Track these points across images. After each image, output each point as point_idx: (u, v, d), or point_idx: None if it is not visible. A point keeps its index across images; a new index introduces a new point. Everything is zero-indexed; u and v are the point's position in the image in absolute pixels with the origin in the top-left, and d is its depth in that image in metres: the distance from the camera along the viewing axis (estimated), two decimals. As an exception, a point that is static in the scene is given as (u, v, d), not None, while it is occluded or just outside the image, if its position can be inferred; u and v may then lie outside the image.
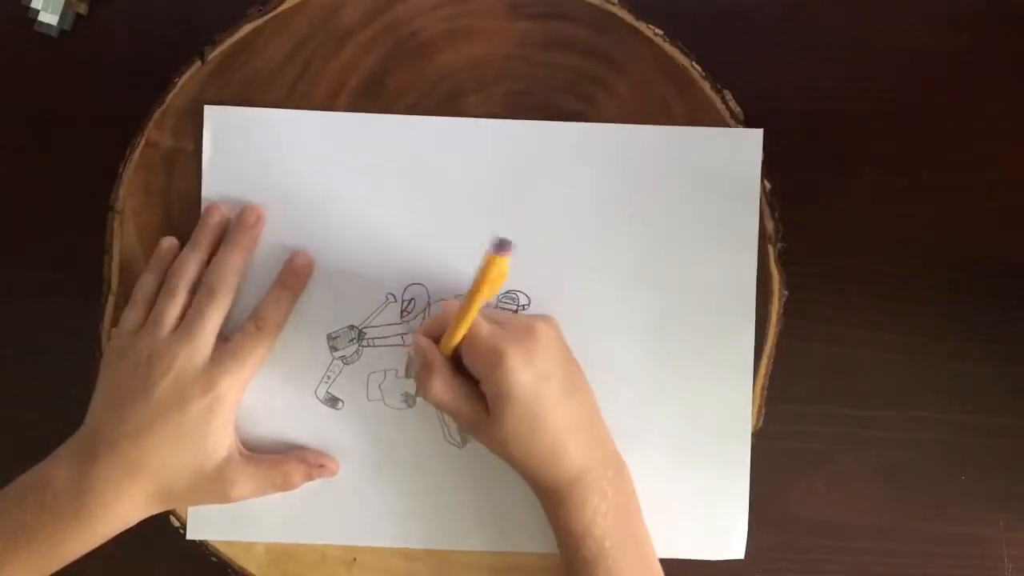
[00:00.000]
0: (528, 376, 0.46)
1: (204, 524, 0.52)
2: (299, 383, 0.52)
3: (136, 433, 0.47)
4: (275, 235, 0.51)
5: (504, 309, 0.52)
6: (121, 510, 0.47)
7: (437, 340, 0.48)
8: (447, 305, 0.49)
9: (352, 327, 0.52)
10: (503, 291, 0.52)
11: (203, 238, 0.50)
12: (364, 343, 0.52)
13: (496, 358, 0.45)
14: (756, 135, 0.52)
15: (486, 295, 0.43)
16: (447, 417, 0.52)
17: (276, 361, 0.51)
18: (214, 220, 0.51)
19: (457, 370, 0.48)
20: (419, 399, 0.52)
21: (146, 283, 0.50)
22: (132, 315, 0.50)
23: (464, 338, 0.46)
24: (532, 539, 0.52)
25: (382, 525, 0.52)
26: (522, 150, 0.52)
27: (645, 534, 0.49)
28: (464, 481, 0.52)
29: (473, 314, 0.45)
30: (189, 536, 0.52)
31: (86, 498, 0.46)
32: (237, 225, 0.51)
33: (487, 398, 0.47)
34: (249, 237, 0.51)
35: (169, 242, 0.51)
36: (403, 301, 0.52)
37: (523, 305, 0.52)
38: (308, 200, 0.51)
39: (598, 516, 0.47)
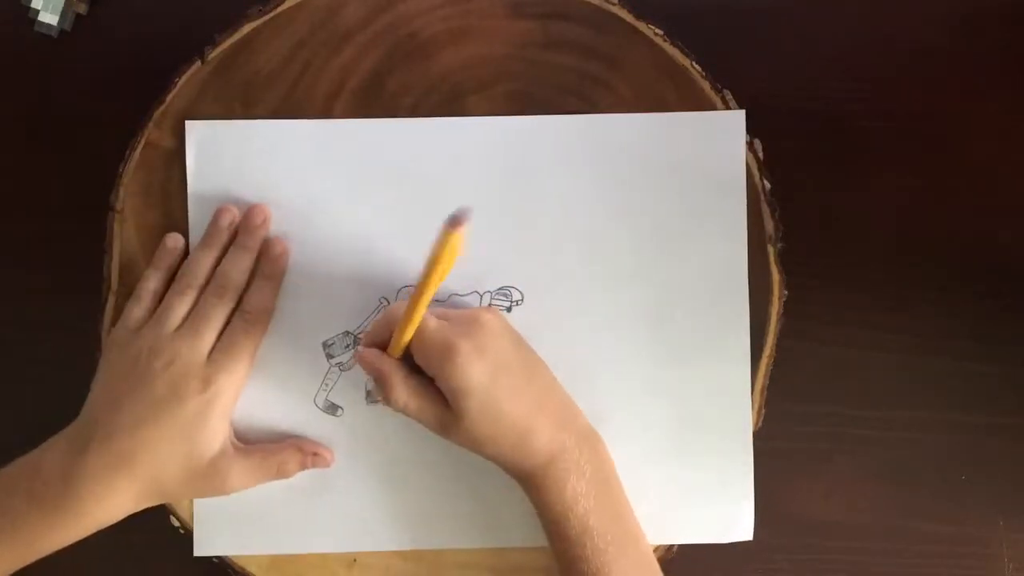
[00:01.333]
0: (481, 368, 0.46)
1: (211, 541, 0.51)
2: (298, 393, 0.52)
3: (131, 427, 0.47)
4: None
5: (498, 306, 0.52)
6: (111, 503, 0.47)
7: (383, 346, 0.48)
8: (392, 307, 0.48)
9: (347, 333, 0.52)
10: (496, 287, 0.52)
11: (215, 240, 0.51)
12: (360, 348, 0.52)
13: (447, 353, 0.45)
14: (738, 117, 0.52)
15: (440, 276, 0.42)
16: None
17: (273, 373, 0.51)
18: (226, 221, 0.51)
19: (412, 369, 0.48)
20: None
21: (151, 279, 0.51)
22: (136, 310, 0.50)
23: (413, 335, 0.46)
24: (538, 536, 0.52)
25: (389, 529, 0.52)
26: (515, 147, 0.52)
27: (627, 506, 0.49)
28: (469, 480, 0.52)
29: (426, 301, 0.44)
30: (197, 553, 0.52)
31: (76, 489, 0.46)
32: (244, 227, 0.51)
33: (445, 395, 0.46)
34: (255, 238, 0.51)
35: (174, 240, 0.51)
36: None
37: (516, 301, 0.52)
38: (295, 208, 0.51)
39: (578, 495, 0.47)
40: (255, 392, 0.51)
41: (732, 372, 0.52)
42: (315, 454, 0.51)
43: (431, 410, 0.47)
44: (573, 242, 0.52)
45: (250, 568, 0.52)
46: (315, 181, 0.51)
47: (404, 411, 0.47)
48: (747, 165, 0.52)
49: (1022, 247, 0.55)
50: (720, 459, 0.52)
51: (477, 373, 0.45)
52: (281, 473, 0.50)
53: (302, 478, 0.51)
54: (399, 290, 0.52)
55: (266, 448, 0.50)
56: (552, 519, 0.47)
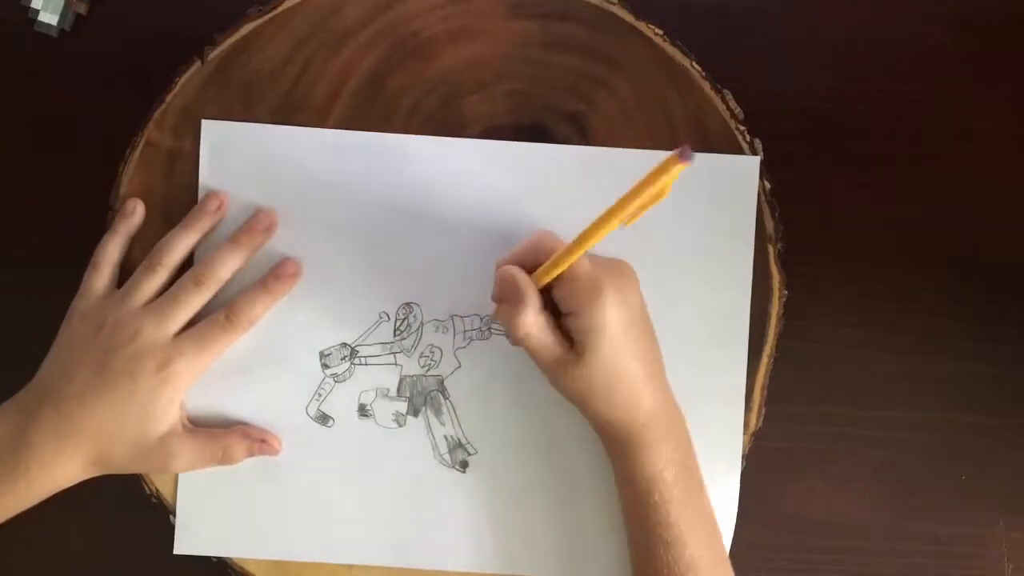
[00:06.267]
0: (623, 313, 0.46)
1: (193, 540, 0.51)
2: (290, 400, 0.52)
3: (82, 395, 0.47)
4: (269, 249, 0.51)
5: (496, 333, 0.52)
6: (58, 469, 0.47)
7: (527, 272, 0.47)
8: (543, 234, 0.47)
9: (345, 345, 0.52)
10: (485, 315, 0.51)
11: (198, 223, 0.50)
12: (356, 361, 0.52)
13: (596, 292, 0.45)
14: (753, 163, 0.52)
15: (639, 206, 0.38)
16: (438, 437, 0.52)
17: (268, 377, 0.51)
18: (212, 207, 0.51)
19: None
20: (410, 418, 0.52)
21: (109, 245, 0.50)
22: (96, 280, 0.50)
23: (568, 268, 0.45)
24: (525, 559, 0.52)
25: (371, 544, 0.52)
26: (517, 172, 0.51)
27: (703, 484, 0.49)
28: (454, 500, 0.52)
29: (606, 232, 0.41)
30: (176, 551, 0.51)
31: (23, 454, 0.46)
32: (247, 227, 0.51)
33: (576, 334, 0.46)
34: (254, 241, 0.50)
35: (133, 204, 0.51)
36: (396, 319, 0.52)
37: None
38: (303, 216, 0.51)
39: (671, 464, 0.47)
40: (248, 395, 0.51)
41: (726, 415, 0.52)
42: (262, 441, 0.50)
43: (552, 346, 0.46)
44: None
45: (249, 568, 0.52)
46: (326, 190, 0.51)
47: (525, 340, 0.46)
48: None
49: (1022, 247, 0.55)
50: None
51: (616, 318, 0.45)
52: (227, 458, 0.50)
53: (288, 485, 0.51)
54: (399, 306, 0.52)
55: (213, 432, 0.50)
56: (641, 481, 0.47)
